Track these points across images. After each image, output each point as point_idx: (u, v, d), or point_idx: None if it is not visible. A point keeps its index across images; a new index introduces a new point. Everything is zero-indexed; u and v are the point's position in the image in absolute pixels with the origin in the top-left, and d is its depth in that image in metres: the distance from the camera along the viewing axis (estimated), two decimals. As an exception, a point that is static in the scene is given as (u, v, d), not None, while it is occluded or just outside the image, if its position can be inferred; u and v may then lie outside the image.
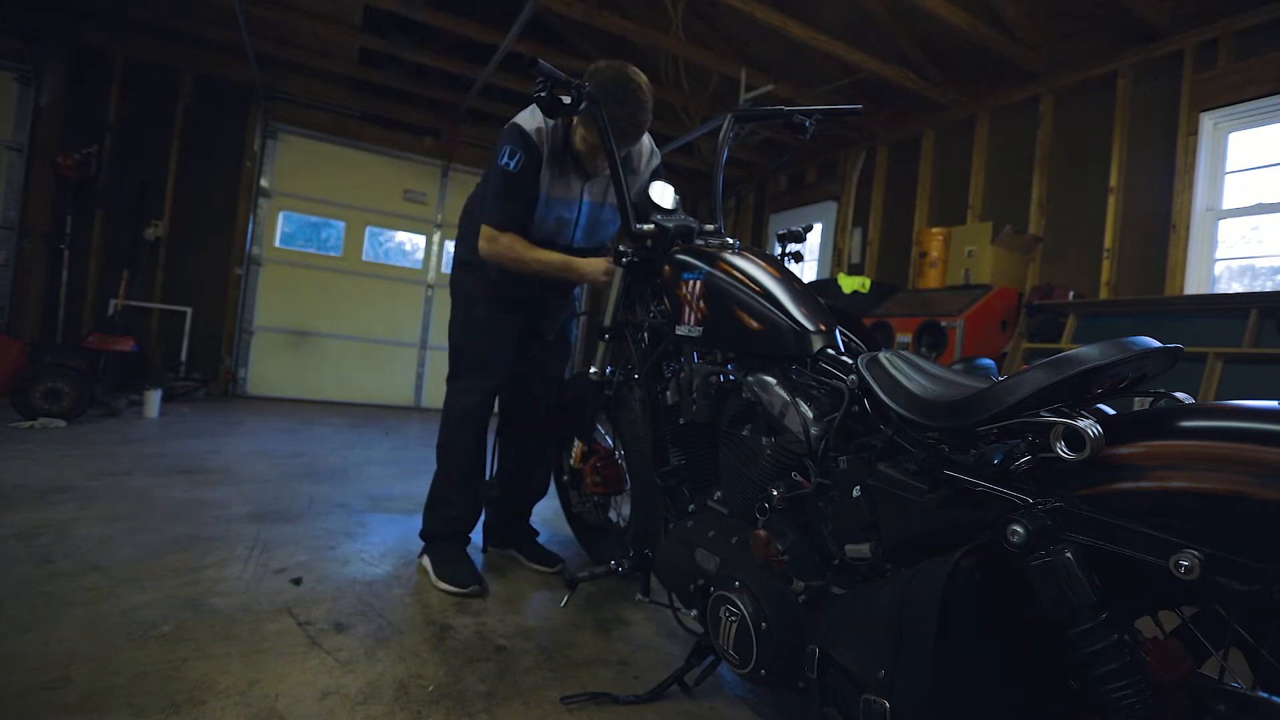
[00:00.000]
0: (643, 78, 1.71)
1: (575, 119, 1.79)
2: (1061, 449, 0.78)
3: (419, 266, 6.18)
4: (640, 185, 1.73)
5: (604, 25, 4.13)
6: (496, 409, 2.08)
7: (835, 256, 5.52)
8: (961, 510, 0.91)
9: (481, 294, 1.97)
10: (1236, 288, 3.28)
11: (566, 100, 1.49)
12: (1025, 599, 0.81)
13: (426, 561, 1.95)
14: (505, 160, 1.79)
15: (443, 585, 1.85)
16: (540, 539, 2.22)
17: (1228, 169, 3.27)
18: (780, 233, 1.80)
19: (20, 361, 3.99)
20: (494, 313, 1.97)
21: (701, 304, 1.38)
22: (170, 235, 5.14)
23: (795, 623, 1.10)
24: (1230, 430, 0.71)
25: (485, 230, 1.85)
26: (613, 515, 2.10)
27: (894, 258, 4.98)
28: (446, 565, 1.89)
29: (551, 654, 1.55)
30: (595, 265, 1.78)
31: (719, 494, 1.43)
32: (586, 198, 1.94)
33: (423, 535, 2.02)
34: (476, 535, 2.12)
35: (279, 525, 2.25)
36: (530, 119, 1.81)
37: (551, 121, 1.81)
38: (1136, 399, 0.95)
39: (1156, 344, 0.81)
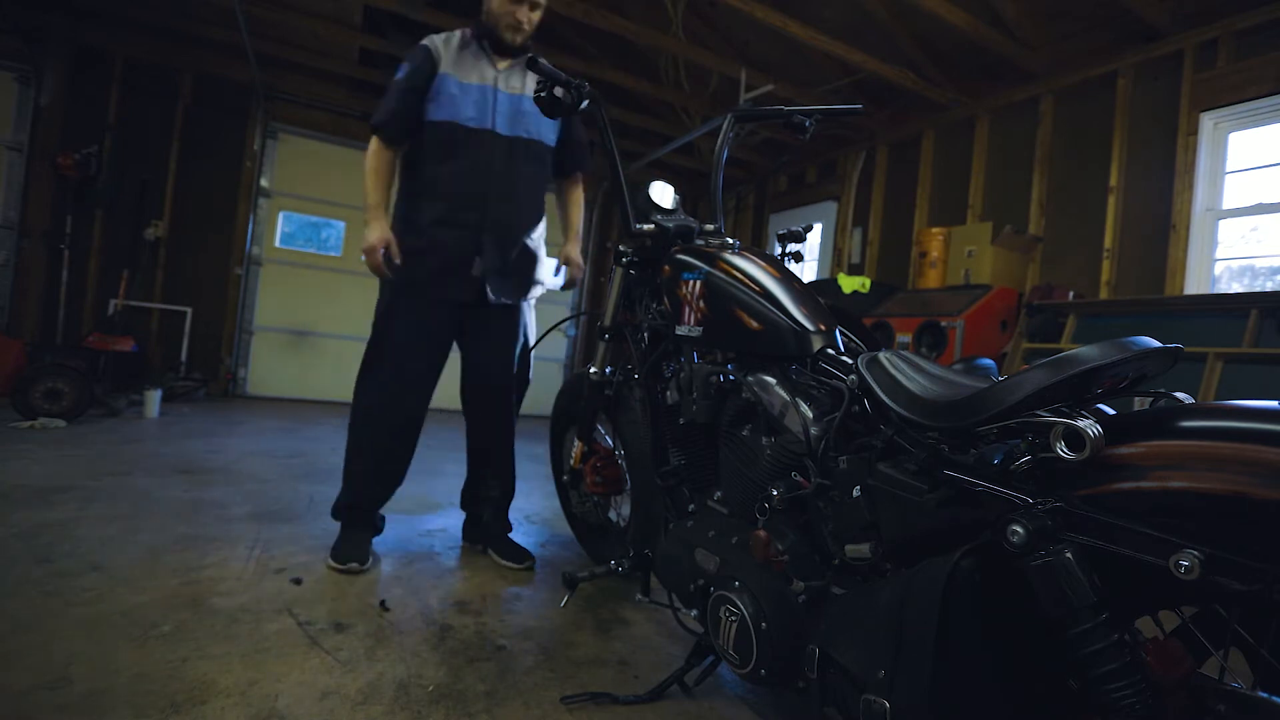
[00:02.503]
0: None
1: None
2: (1061, 449, 0.78)
3: (419, 266, 6.18)
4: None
5: (604, 25, 4.13)
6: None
7: (835, 256, 5.52)
8: (961, 510, 0.91)
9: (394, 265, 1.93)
10: (1236, 288, 3.28)
11: (567, 100, 1.49)
12: (1025, 599, 0.81)
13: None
14: (398, 74, 1.91)
15: (330, 563, 1.91)
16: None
17: (1228, 169, 3.27)
18: (780, 233, 1.80)
19: (20, 361, 3.99)
20: (406, 268, 1.94)
21: (701, 304, 1.38)
22: (170, 235, 5.14)
23: (795, 623, 1.10)
24: (1231, 430, 0.71)
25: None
26: (613, 515, 2.10)
27: (894, 258, 4.98)
28: (337, 546, 1.95)
29: (551, 654, 1.55)
30: (372, 234, 1.84)
31: (719, 494, 1.43)
32: (502, 87, 1.96)
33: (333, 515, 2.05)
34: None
35: (279, 525, 2.25)
36: (439, 36, 1.94)
37: (466, 31, 1.95)
38: (1136, 399, 0.95)
39: (1156, 344, 0.81)
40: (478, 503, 2.19)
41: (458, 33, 1.96)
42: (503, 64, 1.98)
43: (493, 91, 1.95)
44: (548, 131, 2.04)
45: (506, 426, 2.15)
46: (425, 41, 1.92)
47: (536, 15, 1.96)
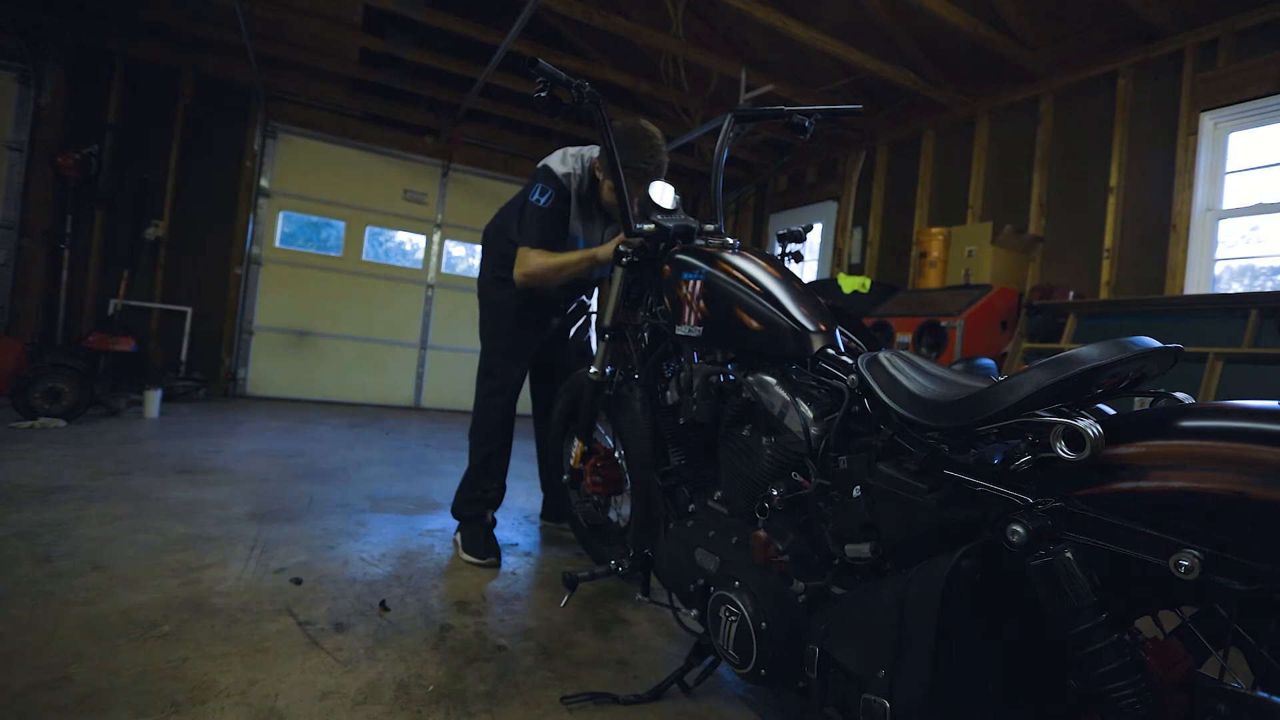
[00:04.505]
0: (652, 127, 1.95)
1: (600, 175, 2.02)
2: (1061, 449, 0.78)
3: (419, 266, 6.18)
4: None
5: (604, 25, 4.13)
6: (530, 411, 2.45)
7: (835, 256, 5.52)
8: (961, 510, 0.91)
9: (511, 306, 2.18)
10: (1236, 288, 3.28)
11: (567, 100, 1.49)
12: (1025, 599, 0.81)
13: (458, 537, 2.18)
14: (537, 197, 2.00)
15: (466, 557, 2.10)
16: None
17: (1228, 169, 3.27)
18: (780, 233, 1.79)
19: (20, 361, 3.99)
20: (519, 317, 2.20)
21: (701, 304, 1.38)
22: (170, 235, 5.14)
23: (795, 623, 1.10)
24: (1231, 430, 0.71)
25: (519, 255, 2.03)
26: (613, 515, 2.10)
27: (894, 258, 4.98)
28: (468, 540, 2.14)
29: (551, 654, 1.55)
30: (609, 247, 1.88)
31: (719, 494, 1.43)
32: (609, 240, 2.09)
33: (454, 514, 2.24)
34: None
35: (279, 525, 2.25)
36: (560, 164, 2.05)
37: (579, 170, 2.05)
38: (1136, 399, 0.95)
39: (1156, 344, 0.81)
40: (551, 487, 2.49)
41: (576, 173, 2.05)
42: (610, 227, 2.18)
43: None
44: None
45: None
46: (559, 176, 2.03)
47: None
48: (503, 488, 2.27)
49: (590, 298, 2.44)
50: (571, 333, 2.39)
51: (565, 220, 2.07)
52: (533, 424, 2.53)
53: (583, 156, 2.08)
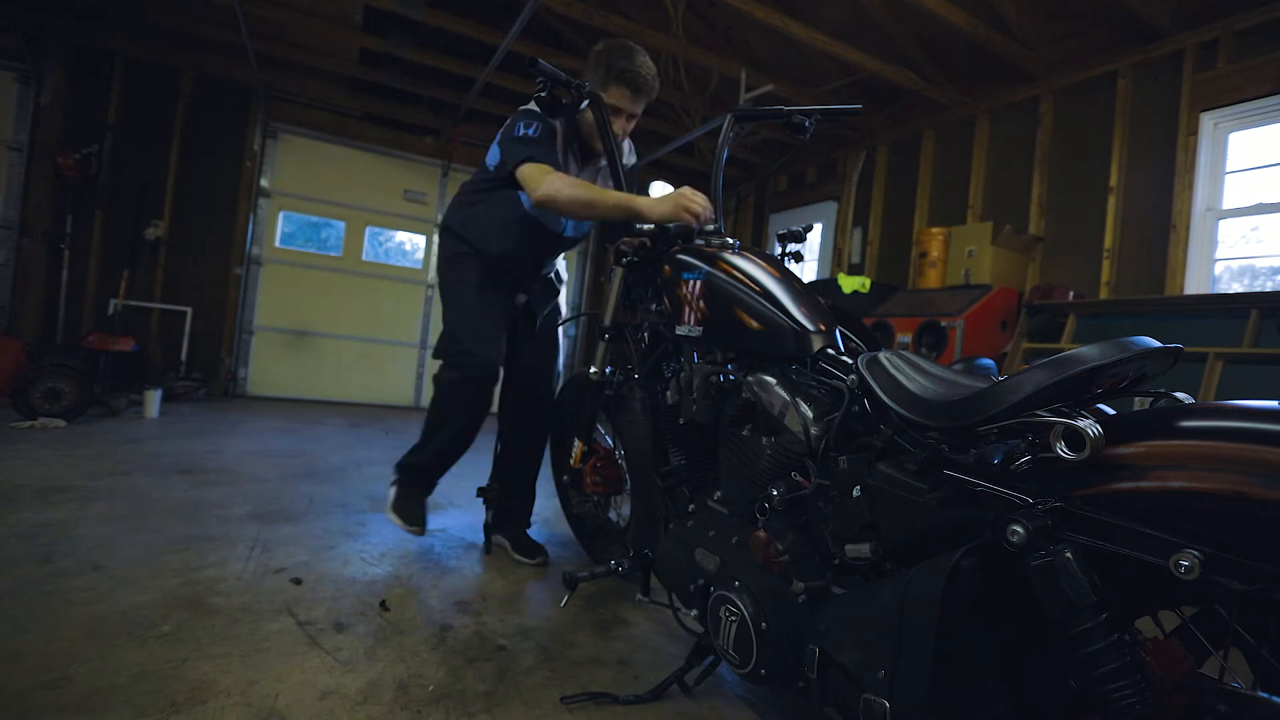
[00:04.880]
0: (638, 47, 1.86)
1: (583, 113, 1.84)
2: (1062, 449, 0.78)
3: (419, 266, 6.18)
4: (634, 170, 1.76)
5: (604, 25, 4.13)
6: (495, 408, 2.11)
7: (835, 256, 5.52)
8: (961, 510, 0.91)
9: (476, 279, 2.00)
10: (1236, 288, 3.28)
11: (566, 100, 1.50)
12: (1025, 599, 0.81)
13: (391, 492, 2.10)
14: (522, 131, 1.79)
15: (393, 517, 2.04)
16: (540, 539, 2.25)
17: (1228, 169, 3.27)
18: (780, 233, 1.79)
19: (20, 361, 3.99)
20: (483, 294, 2.02)
21: (701, 304, 1.38)
22: (170, 235, 5.14)
23: (795, 623, 1.10)
24: (1230, 430, 0.71)
25: (532, 172, 1.72)
26: (613, 515, 2.10)
27: (894, 258, 4.98)
28: (403, 502, 2.06)
29: (551, 654, 1.55)
30: (659, 204, 1.56)
31: (719, 494, 1.43)
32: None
33: (397, 469, 2.14)
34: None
35: (279, 525, 2.25)
36: (537, 105, 1.86)
37: (564, 125, 1.90)
38: (1136, 399, 0.95)
39: (1156, 344, 0.81)
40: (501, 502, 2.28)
41: (558, 123, 1.90)
42: (585, 170, 2.01)
43: None
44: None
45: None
46: (548, 117, 1.85)
47: (630, 125, 1.95)
48: (439, 474, 2.14)
49: (561, 282, 2.27)
50: (540, 319, 2.19)
51: (557, 150, 1.89)
52: (497, 435, 2.26)
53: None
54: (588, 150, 1.99)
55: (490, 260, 2.02)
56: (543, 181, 1.68)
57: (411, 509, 2.07)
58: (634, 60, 1.81)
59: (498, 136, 1.95)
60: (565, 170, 1.89)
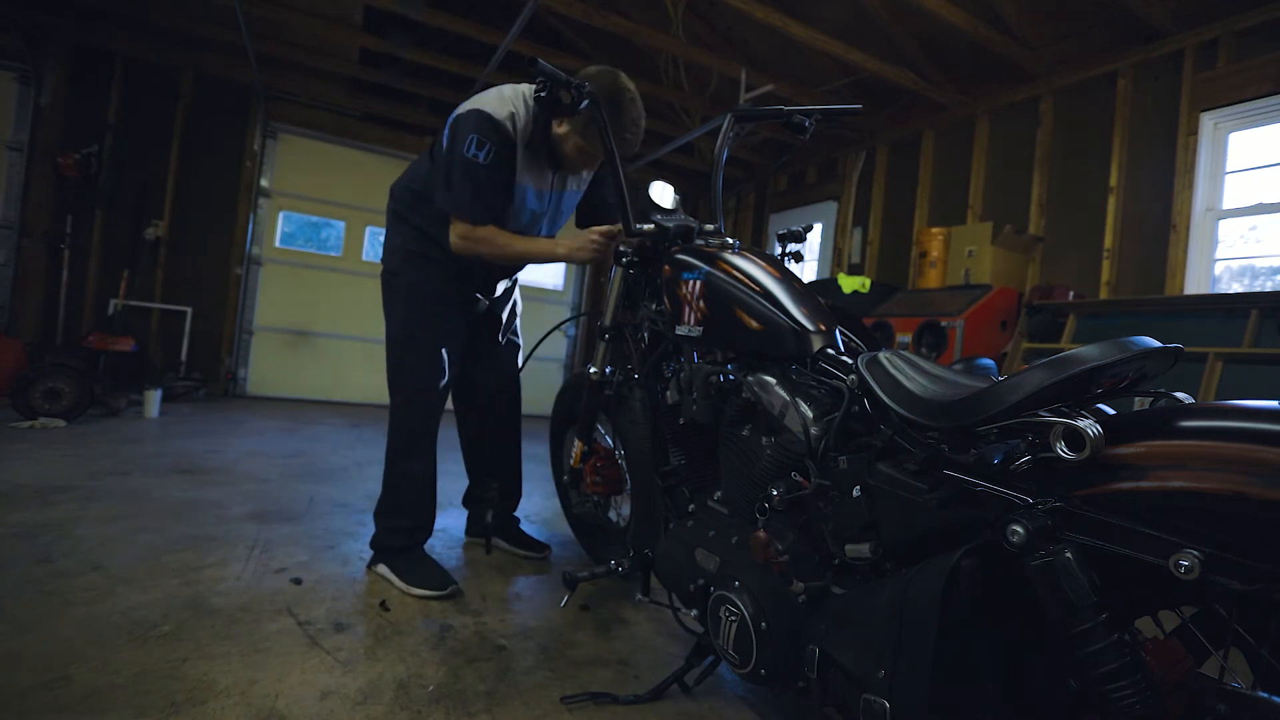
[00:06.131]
0: (632, 84, 1.72)
1: (563, 122, 1.75)
2: (1062, 449, 0.78)
3: (419, 266, 6.18)
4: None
5: (604, 25, 4.13)
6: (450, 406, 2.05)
7: (835, 256, 5.52)
8: (961, 510, 0.91)
9: (428, 287, 1.87)
10: (1236, 288, 3.28)
11: (566, 100, 1.50)
12: (1025, 599, 0.81)
13: (384, 570, 1.86)
14: (473, 151, 1.67)
15: (417, 591, 1.78)
16: (541, 539, 2.25)
17: (1228, 169, 3.27)
18: (780, 233, 1.79)
19: (20, 361, 3.99)
20: (439, 299, 1.88)
21: (701, 304, 1.38)
22: (170, 235, 5.13)
23: (795, 623, 1.10)
24: (1231, 430, 0.71)
25: (459, 226, 1.74)
26: (613, 515, 2.10)
27: (894, 258, 4.98)
28: (414, 572, 1.82)
29: (551, 654, 1.55)
30: (577, 243, 1.69)
31: (719, 494, 1.43)
32: (558, 188, 1.95)
33: (374, 545, 1.92)
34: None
35: (279, 525, 2.25)
36: (499, 105, 1.73)
37: (523, 110, 1.76)
38: (1136, 399, 0.95)
39: (1156, 344, 0.81)
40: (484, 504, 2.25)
41: (523, 113, 1.75)
42: (557, 174, 1.92)
43: (550, 196, 1.93)
44: (569, 215, 2.08)
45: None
46: (502, 121, 1.72)
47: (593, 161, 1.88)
48: (433, 513, 1.98)
49: (513, 284, 2.16)
50: (503, 321, 2.12)
51: (509, 180, 1.77)
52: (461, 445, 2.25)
53: (526, 95, 1.77)
54: (559, 156, 1.83)
55: (455, 265, 1.87)
56: (468, 235, 1.75)
57: (426, 573, 1.84)
58: (627, 114, 1.67)
59: (445, 132, 1.78)
60: (540, 180, 1.85)
